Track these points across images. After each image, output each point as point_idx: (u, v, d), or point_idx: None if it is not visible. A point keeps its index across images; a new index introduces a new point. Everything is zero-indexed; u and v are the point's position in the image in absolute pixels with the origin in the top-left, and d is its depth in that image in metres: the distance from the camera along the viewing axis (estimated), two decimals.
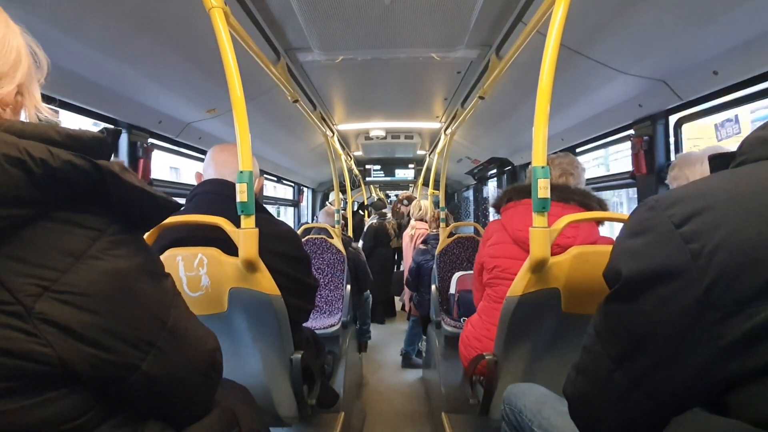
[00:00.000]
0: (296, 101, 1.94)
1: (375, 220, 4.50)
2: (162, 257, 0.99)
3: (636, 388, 0.45)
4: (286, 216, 5.32)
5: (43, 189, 0.43)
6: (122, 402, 0.51)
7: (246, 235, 0.98)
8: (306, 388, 1.25)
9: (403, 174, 5.33)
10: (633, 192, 2.06)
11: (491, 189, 4.88)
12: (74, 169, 0.44)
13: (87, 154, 0.46)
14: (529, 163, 1.06)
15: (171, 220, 1.01)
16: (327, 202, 5.91)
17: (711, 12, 1.12)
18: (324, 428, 1.67)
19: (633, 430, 0.48)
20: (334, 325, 2.25)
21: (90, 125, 1.47)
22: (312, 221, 5.20)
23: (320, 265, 2.63)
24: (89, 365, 0.44)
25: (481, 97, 1.89)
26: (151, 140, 1.94)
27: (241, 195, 0.99)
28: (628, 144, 1.94)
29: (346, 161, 3.59)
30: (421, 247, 3.03)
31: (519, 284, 1.07)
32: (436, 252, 2.64)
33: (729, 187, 0.42)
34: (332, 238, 2.65)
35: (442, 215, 2.79)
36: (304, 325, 1.37)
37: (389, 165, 5.31)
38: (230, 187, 1.11)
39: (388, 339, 3.89)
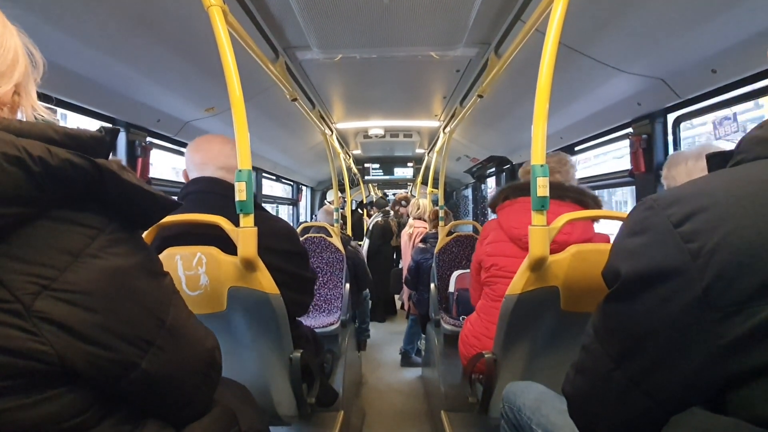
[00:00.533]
0: (295, 100, 1.93)
1: (380, 218, 4.50)
2: (161, 256, 0.99)
3: (635, 387, 0.45)
4: (285, 216, 5.31)
5: (41, 187, 0.43)
6: (121, 401, 0.51)
7: (245, 234, 0.98)
8: (305, 387, 1.26)
9: (402, 173, 5.33)
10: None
11: (490, 187, 4.88)
12: (73, 167, 0.44)
13: (85, 153, 0.46)
14: (523, 162, 1.05)
15: (170, 219, 1.01)
16: (326, 201, 5.91)
17: (709, 10, 1.12)
18: (323, 427, 1.67)
19: (632, 429, 0.48)
20: (333, 324, 2.25)
21: (96, 125, 1.47)
22: (311, 220, 5.20)
23: (319, 264, 2.63)
24: (88, 363, 0.44)
25: (480, 96, 1.88)
26: (149, 139, 1.93)
27: (240, 194, 0.98)
28: (618, 144, 1.95)
29: (344, 160, 3.59)
30: (421, 245, 3.03)
31: (518, 282, 1.07)
32: (435, 250, 2.64)
33: (727, 186, 0.42)
34: (331, 237, 2.65)
35: (441, 213, 2.79)
36: (304, 323, 1.37)
37: (388, 164, 5.31)
38: (222, 185, 1.12)
39: (388, 338, 3.89)
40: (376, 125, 3.49)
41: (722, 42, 1.24)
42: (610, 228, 1.49)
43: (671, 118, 1.77)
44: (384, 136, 3.71)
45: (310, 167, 4.72)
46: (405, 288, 3.31)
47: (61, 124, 0.49)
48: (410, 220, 3.77)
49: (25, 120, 0.53)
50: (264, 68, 1.50)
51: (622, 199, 5.89)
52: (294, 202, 5.17)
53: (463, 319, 2.06)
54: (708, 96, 1.51)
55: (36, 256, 0.42)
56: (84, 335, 0.43)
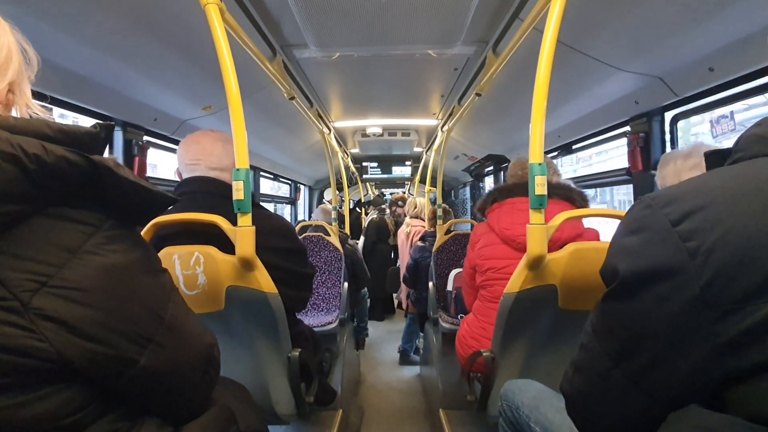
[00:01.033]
0: (292, 98, 1.93)
1: (375, 215, 4.50)
2: (158, 255, 0.98)
3: (634, 386, 0.45)
4: (284, 215, 5.30)
5: (37, 185, 0.42)
6: (120, 398, 0.51)
7: (242, 233, 0.98)
8: (304, 386, 1.25)
9: (400, 171, 5.32)
10: None
11: (488, 186, 4.88)
12: (68, 164, 0.44)
13: (80, 149, 0.46)
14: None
15: (168, 218, 1.00)
16: (324, 200, 5.91)
17: (707, 9, 1.12)
18: (322, 426, 1.67)
19: (630, 427, 0.48)
20: (331, 323, 2.25)
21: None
22: (309, 219, 5.20)
23: (317, 263, 2.63)
24: (87, 360, 0.44)
25: (478, 94, 1.88)
26: (146, 138, 1.93)
27: (237, 193, 0.98)
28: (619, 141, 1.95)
29: (342, 158, 3.58)
30: (419, 244, 3.03)
31: (516, 281, 1.07)
32: (434, 249, 2.64)
33: (725, 184, 0.42)
34: (329, 235, 2.65)
35: (440, 212, 2.79)
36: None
37: (386, 162, 5.30)
38: (215, 184, 1.11)
39: (386, 336, 3.90)
40: (373, 124, 3.48)
41: (720, 40, 1.24)
42: (599, 224, 1.48)
43: (669, 116, 1.77)
44: (382, 135, 3.70)
45: (308, 166, 4.71)
46: (403, 286, 3.31)
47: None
48: (407, 219, 3.77)
49: (19, 117, 0.52)
50: (261, 66, 1.50)
51: (627, 198, 5.89)
52: (292, 201, 5.17)
53: (461, 317, 2.06)
54: (705, 94, 1.51)
55: (33, 254, 0.42)
56: (82, 332, 0.43)
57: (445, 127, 2.72)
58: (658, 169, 1.24)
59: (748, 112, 1.65)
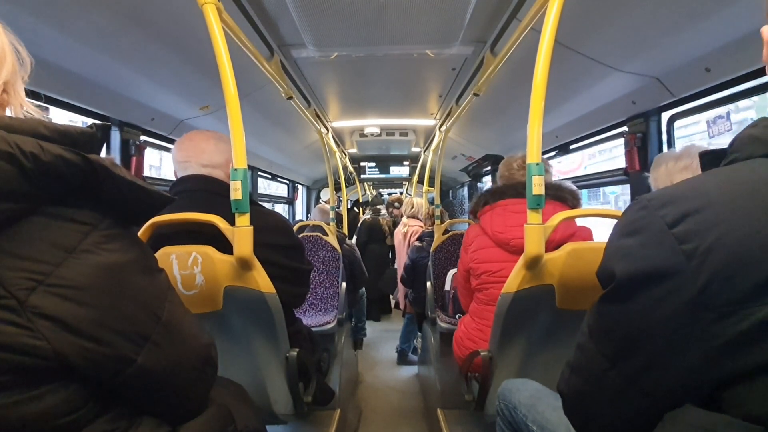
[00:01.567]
0: (290, 98, 1.93)
1: (368, 216, 4.49)
2: (155, 255, 0.98)
3: (631, 387, 0.45)
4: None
5: (34, 183, 0.42)
6: (117, 397, 0.51)
7: (240, 233, 0.97)
8: (302, 386, 1.25)
9: (398, 171, 5.32)
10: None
11: (486, 186, 4.89)
12: (65, 163, 0.44)
13: (76, 149, 0.46)
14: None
15: (166, 218, 1.00)
16: (321, 200, 5.90)
17: (704, 9, 1.13)
18: (320, 425, 1.67)
19: (627, 427, 0.48)
20: (329, 323, 2.25)
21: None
22: (307, 219, 5.19)
23: (315, 263, 2.63)
24: (84, 358, 0.44)
25: (475, 94, 1.89)
26: (143, 138, 1.92)
27: (235, 193, 0.98)
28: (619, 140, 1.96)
29: (340, 158, 3.58)
30: (417, 244, 3.03)
31: (513, 281, 1.08)
32: (431, 249, 2.64)
33: (721, 186, 0.42)
34: (327, 235, 2.64)
35: (437, 212, 2.79)
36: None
37: (384, 162, 5.30)
38: (210, 182, 1.11)
39: (384, 336, 3.90)
40: (371, 124, 3.48)
41: (716, 41, 1.24)
42: (591, 221, 1.48)
43: (665, 116, 1.77)
44: (380, 135, 3.70)
45: (305, 166, 4.71)
46: (400, 286, 3.31)
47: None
48: (404, 219, 3.77)
49: (14, 116, 0.52)
50: (259, 66, 1.49)
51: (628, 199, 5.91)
52: (290, 201, 5.16)
53: (459, 317, 2.06)
54: (702, 95, 1.52)
55: (30, 252, 0.42)
56: (79, 330, 0.43)
57: (443, 127, 2.72)
58: (651, 171, 1.25)
59: (736, 115, 1.66)
